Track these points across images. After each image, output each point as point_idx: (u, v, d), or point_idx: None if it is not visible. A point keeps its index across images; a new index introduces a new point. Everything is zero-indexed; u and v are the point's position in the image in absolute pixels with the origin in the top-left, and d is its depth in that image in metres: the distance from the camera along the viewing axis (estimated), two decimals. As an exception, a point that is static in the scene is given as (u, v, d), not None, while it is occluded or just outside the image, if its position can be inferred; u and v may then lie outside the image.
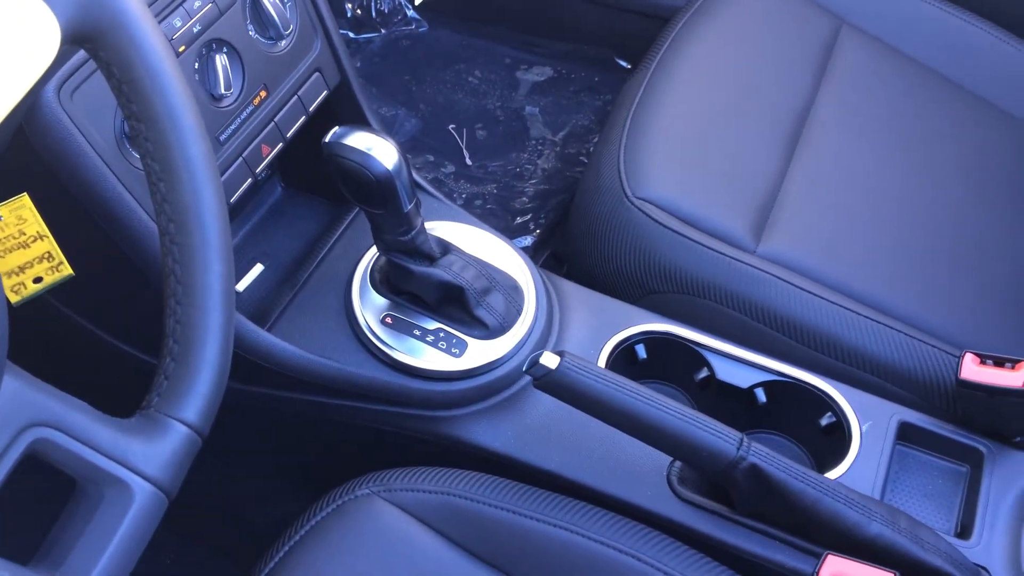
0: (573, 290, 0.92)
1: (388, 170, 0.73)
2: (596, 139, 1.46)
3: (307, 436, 0.90)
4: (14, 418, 0.39)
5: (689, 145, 1.00)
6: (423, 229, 0.80)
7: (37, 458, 0.41)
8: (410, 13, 1.64)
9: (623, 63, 1.55)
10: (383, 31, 1.63)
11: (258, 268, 0.91)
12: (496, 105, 1.52)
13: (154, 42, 0.44)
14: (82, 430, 0.42)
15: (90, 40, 0.43)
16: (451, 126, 1.49)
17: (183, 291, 0.46)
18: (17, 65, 0.40)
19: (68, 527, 0.42)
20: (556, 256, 1.13)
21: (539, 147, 1.46)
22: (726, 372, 0.86)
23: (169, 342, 0.47)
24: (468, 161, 1.45)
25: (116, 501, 0.42)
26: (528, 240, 1.31)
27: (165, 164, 0.45)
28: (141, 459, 0.43)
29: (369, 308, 0.85)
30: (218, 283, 0.46)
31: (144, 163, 0.46)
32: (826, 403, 0.84)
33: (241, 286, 0.90)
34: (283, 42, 0.82)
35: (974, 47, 1.11)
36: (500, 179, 1.42)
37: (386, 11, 1.64)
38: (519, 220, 1.37)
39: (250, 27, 0.79)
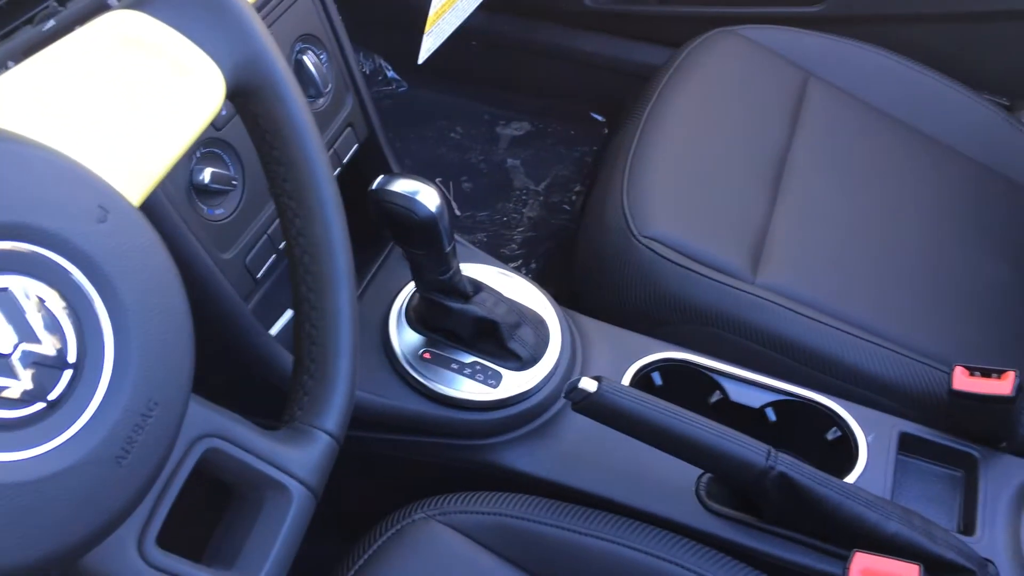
0: (590, 323, 0.98)
1: (432, 213, 0.79)
2: (578, 188, 1.55)
3: (349, 471, 0.93)
4: (190, 430, 0.43)
5: (685, 187, 1.08)
6: (459, 269, 0.86)
7: (204, 466, 0.45)
8: (390, 74, 1.72)
9: (598, 117, 1.64)
10: (365, 91, 1.70)
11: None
12: (479, 159, 1.60)
13: (298, 98, 0.49)
14: (245, 440, 0.46)
15: (245, 95, 0.48)
16: (438, 179, 1.56)
17: (317, 315, 0.51)
18: (188, 115, 0.44)
19: (235, 528, 0.46)
20: (557, 297, 1.19)
21: (523, 197, 1.54)
22: (738, 394, 0.93)
23: (306, 361, 0.51)
24: (457, 212, 1.51)
25: (278, 503, 0.46)
26: (528, 279, 1.37)
27: (302, 203, 0.50)
28: (296, 465, 0.47)
29: (406, 345, 0.89)
30: (348, 308, 0.51)
31: (279, 202, 0.51)
32: (832, 419, 0.91)
33: (275, 329, 0.94)
34: (321, 99, 0.88)
35: (929, 96, 1.22)
36: (489, 228, 1.49)
37: (367, 72, 1.71)
38: (511, 266, 1.43)
39: (295, 85, 0.84)
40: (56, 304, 0.38)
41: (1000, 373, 0.87)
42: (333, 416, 0.50)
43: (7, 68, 0.52)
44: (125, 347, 0.39)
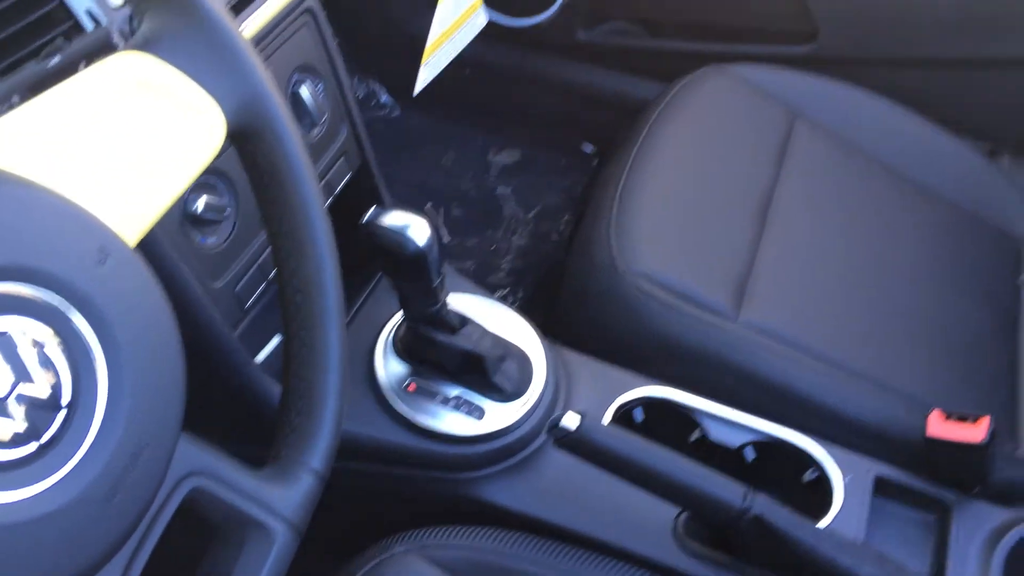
0: (574, 357, 0.99)
1: (422, 247, 0.80)
2: (567, 218, 1.56)
3: (329, 501, 0.94)
4: (176, 468, 0.44)
5: (672, 224, 1.10)
6: (447, 302, 0.87)
7: (190, 503, 0.45)
8: (384, 98, 1.73)
9: (588, 147, 1.66)
10: (359, 114, 1.71)
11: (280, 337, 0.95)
12: (470, 185, 1.61)
13: (296, 141, 0.50)
14: (231, 478, 0.47)
15: (245, 136, 0.49)
16: (428, 205, 1.57)
17: (307, 353, 0.51)
18: (188, 157, 0.45)
19: (218, 566, 0.47)
20: (543, 327, 1.20)
21: (513, 225, 1.55)
22: (718, 433, 0.94)
23: (294, 398, 0.52)
24: (446, 238, 1.52)
25: (261, 541, 0.47)
26: (516, 312, 1.39)
27: (297, 243, 0.51)
28: (280, 503, 0.48)
29: (392, 375, 0.90)
30: (338, 348, 0.52)
31: (274, 241, 0.52)
32: (809, 460, 0.92)
33: (261, 356, 0.94)
34: (316, 129, 0.89)
35: (914, 140, 1.25)
36: (478, 255, 1.50)
37: (361, 96, 1.73)
38: (498, 294, 1.44)
39: (290, 116, 0.86)
40: (53, 345, 0.39)
41: (975, 419, 0.89)
42: (319, 454, 0.51)
43: (11, 103, 0.53)
44: (118, 388, 0.40)
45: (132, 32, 0.61)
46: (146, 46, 0.46)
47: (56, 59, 0.54)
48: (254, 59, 0.49)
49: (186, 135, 0.46)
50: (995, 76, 1.38)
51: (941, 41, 1.38)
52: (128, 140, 0.44)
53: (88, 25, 0.59)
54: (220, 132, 0.47)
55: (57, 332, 0.39)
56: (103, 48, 0.55)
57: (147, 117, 0.45)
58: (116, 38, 0.56)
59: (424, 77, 1.15)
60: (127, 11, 0.61)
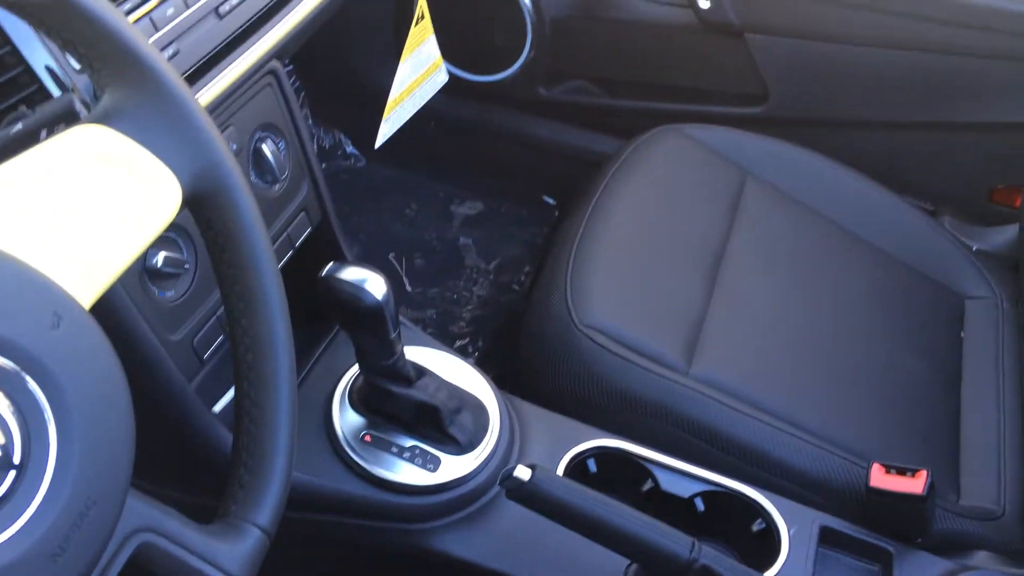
0: (529, 409, 1.01)
1: (379, 300, 0.82)
2: (527, 269, 1.59)
3: (282, 553, 0.94)
4: (124, 524, 0.45)
5: (626, 279, 1.13)
6: (403, 354, 0.89)
7: (137, 560, 0.46)
8: (349, 149, 1.76)
9: (549, 200, 1.70)
10: (324, 165, 1.74)
11: (238, 389, 0.96)
12: (432, 235, 1.64)
13: (250, 206, 0.52)
14: (178, 534, 0.48)
15: (200, 201, 0.51)
16: (391, 255, 1.59)
17: (258, 412, 0.53)
18: (144, 223, 0.47)
19: (164, 623, 0.48)
20: (501, 377, 1.22)
21: (474, 275, 1.58)
22: (669, 483, 0.96)
23: (243, 455, 0.53)
24: (408, 288, 1.54)
25: (207, 600, 0.48)
26: (470, 362, 1.40)
27: (249, 304, 0.53)
28: (226, 560, 0.49)
29: (348, 426, 0.91)
30: (287, 405, 0.54)
31: (227, 301, 0.54)
32: (757, 510, 0.94)
33: (219, 406, 0.95)
34: (277, 185, 0.91)
35: (859, 198, 1.30)
36: (439, 305, 1.52)
37: (327, 147, 1.75)
38: (458, 343, 1.46)
39: (252, 172, 0.88)
40: (5, 407, 0.40)
41: (914, 472, 0.92)
42: (267, 512, 0.52)
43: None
44: (68, 448, 0.41)
45: (95, 96, 0.63)
46: (105, 119, 0.48)
47: (18, 126, 0.56)
48: (210, 129, 0.52)
49: (142, 203, 0.48)
50: (935, 138, 1.44)
51: (884, 105, 1.44)
52: (85, 207, 0.46)
53: (53, 90, 0.61)
54: (176, 200, 0.49)
55: (9, 395, 0.40)
56: (65, 116, 0.57)
57: (104, 186, 0.47)
58: (78, 106, 0.58)
59: (385, 131, 1.18)
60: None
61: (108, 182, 0.47)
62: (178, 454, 0.86)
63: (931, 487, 0.91)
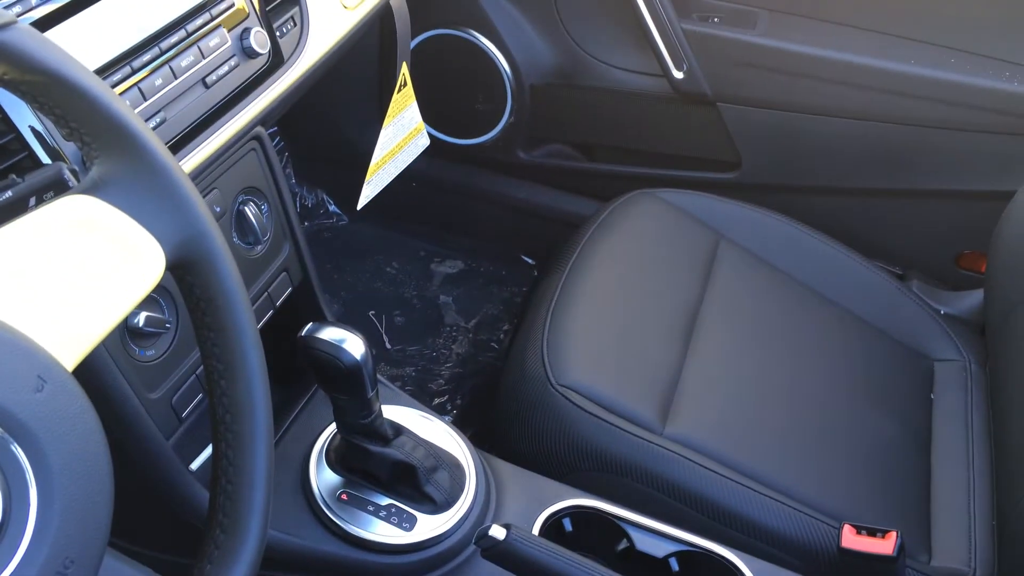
0: (505, 468, 1.02)
1: (356, 361, 0.83)
2: (506, 327, 1.61)
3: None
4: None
5: (602, 339, 1.15)
6: (380, 413, 0.90)
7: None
8: (332, 208, 1.79)
9: (528, 259, 1.72)
10: (306, 223, 1.76)
11: (215, 447, 0.97)
12: (412, 294, 1.66)
13: (232, 271, 0.54)
14: (153, 596, 0.49)
15: (183, 268, 0.53)
16: (371, 312, 1.61)
17: (234, 471, 0.54)
18: (128, 288, 0.49)
19: None
20: (479, 435, 1.23)
21: (453, 333, 1.59)
22: (644, 543, 0.97)
23: (219, 515, 0.54)
24: (388, 345, 1.56)
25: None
26: (447, 420, 1.41)
27: (228, 366, 0.54)
28: (201, 621, 0.50)
29: (325, 485, 0.92)
30: (264, 466, 0.55)
31: (207, 363, 0.55)
32: (730, 570, 0.95)
33: (196, 464, 0.96)
34: (259, 247, 0.93)
35: (829, 262, 1.33)
36: (418, 363, 1.53)
37: (309, 206, 1.78)
38: (436, 401, 1.47)
39: (234, 234, 0.90)
40: (-13, 468, 0.41)
41: (884, 533, 0.93)
42: (241, 573, 0.53)
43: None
44: (48, 509, 0.42)
45: (84, 165, 0.65)
46: (93, 190, 0.50)
47: (7, 195, 0.57)
48: (194, 198, 0.54)
49: (127, 269, 0.49)
50: (904, 205, 1.49)
51: (854, 173, 1.49)
52: (71, 273, 0.48)
53: (43, 157, 0.63)
54: (159, 266, 0.51)
55: None
56: (54, 185, 0.59)
57: (90, 253, 0.48)
58: (67, 175, 0.60)
59: (367, 194, 1.21)
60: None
61: (94, 249, 0.49)
62: (155, 512, 0.87)
63: (901, 548, 0.93)
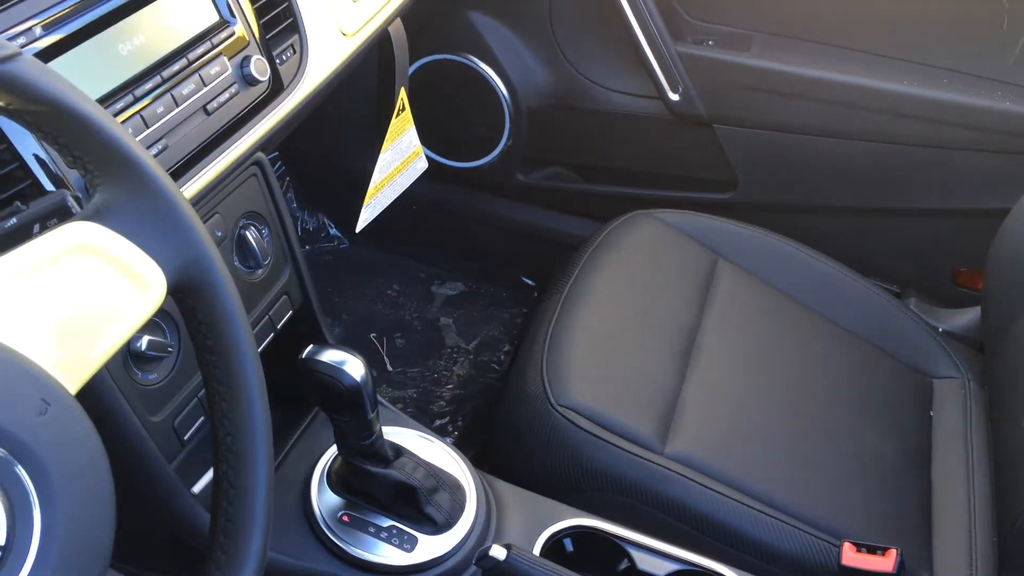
0: (506, 488, 1.03)
1: (357, 382, 0.84)
2: (506, 348, 1.62)
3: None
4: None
5: (601, 359, 1.15)
6: (381, 434, 0.90)
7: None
8: (332, 231, 1.80)
9: (528, 281, 1.73)
10: (307, 247, 1.77)
11: (216, 470, 0.98)
12: (413, 316, 1.66)
13: (232, 294, 0.55)
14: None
15: (184, 292, 0.54)
16: (372, 335, 1.62)
17: (235, 493, 0.55)
18: (129, 313, 0.50)
19: None
20: (480, 456, 1.24)
21: (454, 355, 1.60)
22: (644, 562, 0.97)
23: (220, 537, 0.55)
24: (389, 367, 1.56)
25: None
26: (447, 442, 1.42)
27: (229, 388, 0.55)
28: (202, 640, 0.50)
29: (326, 507, 0.93)
30: (264, 489, 0.55)
31: (209, 385, 0.56)
32: (731, 589, 0.96)
33: (198, 487, 0.96)
34: (260, 270, 0.94)
35: (826, 281, 1.34)
36: (419, 384, 1.54)
37: (311, 229, 1.79)
38: (438, 423, 1.48)
39: (235, 258, 0.91)
40: (-8, 490, 0.42)
41: (884, 550, 0.93)
42: (242, 593, 0.54)
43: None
44: (51, 531, 0.43)
45: (87, 191, 0.66)
46: (96, 217, 0.51)
47: (12, 221, 0.59)
48: (196, 224, 0.55)
49: (129, 294, 0.50)
50: (900, 223, 1.50)
51: (850, 192, 1.50)
52: (74, 298, 0.48)
53: (47, 184, 0.64)
54: (161, 291, 0.52)
55: None
56: (58, 211, 0.60)
57: (93, 278, 0.49)
58: (71, 202, 0.61)
59: (365, 217, 1.22)
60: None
61: (97, 274, 0.50)
62: (156, 535, 0.87)
63: (901, 565, 0.93)
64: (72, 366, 0.47)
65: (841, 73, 1.42)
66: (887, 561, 0.92)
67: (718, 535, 1.02)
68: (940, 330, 1.35)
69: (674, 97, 1.48)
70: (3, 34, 0.67)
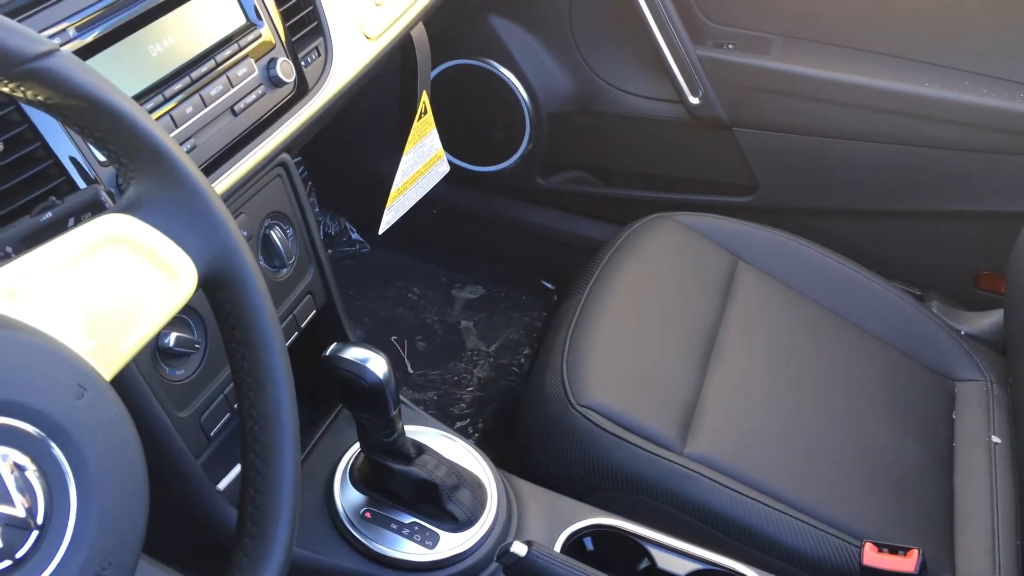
0: (526, 487, 1.03)
1: (380, 379, 0.85)
2: (526, 351, 1.62)
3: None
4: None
5: (621, 360, 1.16)
6: (403, 432, 0.91)
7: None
8: (354, 235, 1.82)
9: (548, 284, 1.74)
10: (330, 251, 1.79)
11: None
12: (434, 319, 1.68)
13: (261, 289, 0.56)
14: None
15: (214, 284, 0.55)
16: (393, 337, 1.63)
17: (262, 482, 0.56)
18: (162, 303, 0.51)
19: None
20: (500, 458, 1.24)
21: (474, 358, 1.61)
22: (665, 562, 0.97)
23: (248, 524, 0.56)
24: (410, 370, 1.57)
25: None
26: (468, 442, 1.43)
27: (257, 380, 0.56)
28: (231, 626, 0.51)
29: (349, 503, 0.94)
30: (291, 478, 0.56)
31: (237, 376, 0.57)
32: (752, 588, 0.96)
33: (224, 483, 0.97)
34: (285, 270, 0.95)
35: (847, 283, 1.33)
36: (440, 387, 1.55)
37: (333, 233, 1.81)
38: (458, 425, 1.49)
39: (261, 257, 0.92)
40: (31, 471, 0.43)
41: (906, 551, 0.93)
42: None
43: (6, 254, 0.59)
44: (87, 511, 0.44)
45: (119, 186, 0.68)
46: (130, 209, 0.52)
47: (48, 215, 0.60)
48: (226, 218, 0.56)
49: (162, 284, 0.52)
50: (922, 226, 1.50)
51: (870, 195, 1.50)
52: (109, 288, 0.50)
53: (80, 182, 0.66)
54: (192, 282, 0.53)
55: (35, 460, 0.43)
56: (92, 206, 0.62)
57: (127, 269, 0.51)
58: (103, 196, 0.63)
59: (388, 219, 1.23)
60: (112, 168, 0.68)
61: (131, 265, 0.51)
62: (181, 530, 0.88)
63: (923, 566, 0.92)
64: (106, 355, 0.49)
65: (861, 76, 1.43)
66: (909, 562, 0.91)
67: (738, 535, 1.02)
68: (962, 332, 1.34)
69: (694, 101, 1.49)
70: (38, 36, 0.68)
